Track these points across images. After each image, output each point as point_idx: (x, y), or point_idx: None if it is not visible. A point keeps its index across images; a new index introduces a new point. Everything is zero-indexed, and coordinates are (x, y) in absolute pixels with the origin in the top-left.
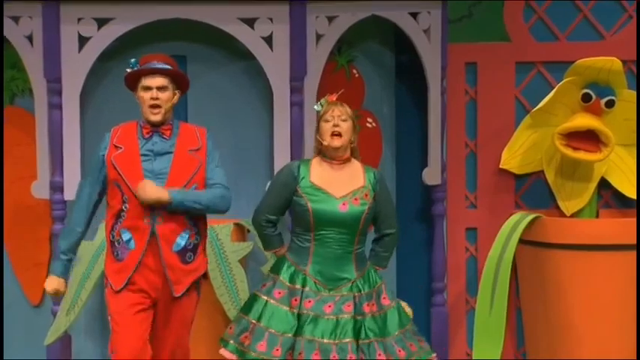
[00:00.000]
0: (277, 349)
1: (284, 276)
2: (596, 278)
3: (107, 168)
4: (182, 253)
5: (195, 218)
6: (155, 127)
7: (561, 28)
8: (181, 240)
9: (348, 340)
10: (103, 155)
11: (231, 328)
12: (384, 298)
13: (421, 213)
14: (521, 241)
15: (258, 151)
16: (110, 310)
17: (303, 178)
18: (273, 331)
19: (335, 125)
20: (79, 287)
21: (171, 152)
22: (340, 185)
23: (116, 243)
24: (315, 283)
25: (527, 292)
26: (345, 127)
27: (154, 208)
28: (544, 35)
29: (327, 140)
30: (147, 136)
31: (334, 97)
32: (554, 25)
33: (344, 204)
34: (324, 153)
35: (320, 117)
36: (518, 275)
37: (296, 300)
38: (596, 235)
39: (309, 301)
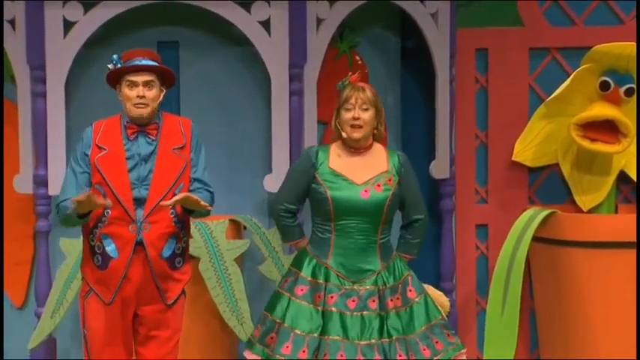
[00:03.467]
0: (304, 351)
1: (305, 271)
2: (615, 277)
3: (91, 170)
4: (171, 259)
5: (182, 221)
6: (140, 127)
7: (578, 12)
8: (170, 245)
9: (374, 340)
10: (88, 155)
11: (257, 329)
12: (410, 290)
13: (428, 209)
14: (535, 238)
15: (254, 143)
16: (88, 324)
17: (321, 163)
18: (298, 332)
19: (355, 118)
20: (65, 287)
21: (155, 153)
22: (361, 171)
23: (96, 248)
24: (337, 276)
25: (541, 293)
26: (367, 116)
27: (139, 215)
28: (559, 19)
29: (347, 132)
30: (132, 137)
31: (356, 78)
32: (571, 9)
33: (366, 191)
34: (344, 140)
35: (341, 102)
36: (531, 274)
37: (319, 296)
38: (615, 232)
39: (332, 297)
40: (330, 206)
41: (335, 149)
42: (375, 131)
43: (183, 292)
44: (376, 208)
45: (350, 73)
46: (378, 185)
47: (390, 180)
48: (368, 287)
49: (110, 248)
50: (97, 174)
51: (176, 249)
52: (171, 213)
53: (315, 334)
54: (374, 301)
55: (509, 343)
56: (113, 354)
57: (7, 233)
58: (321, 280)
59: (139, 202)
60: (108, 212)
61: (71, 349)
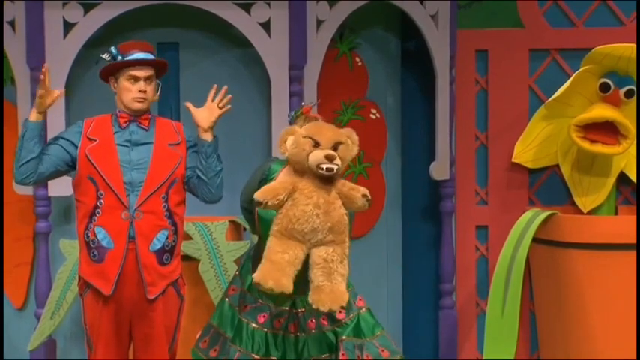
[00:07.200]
0: (215, 350)
1: (247, 283)
2: (615, 279)
3: (80, 163)
4: (159, 253)
5: (174, 217)
6: (133, 117)
7: (578, 14)
8: (160, 238)
9: (273, 358)
10: (73, 143)
11: (204, 341)
12: (340, 312)
13: (428, 210)
14: (535, 239)
15: (254, 144)
16: (87, 321)
17: (268, 180)
18: (215, 324)
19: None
20: (65, 288)
21: (150, 143)
22: None
23: (91, 243)
24: (257, 290)
25: (541, 294)
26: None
27: (132, 203)
28: (559, 21)
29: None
30: (124, 125)
31: (309, 109)
32: (571, 10)
33: None
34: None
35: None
36: (531, 276)
37: (243, 303)
38: (615, 234)
39: (246, 306)
40: (257, 224)
41: (285, 173)
42: None
43: (176, 292)
44: None
45: (302, 103)
46: None
47: None
48: (281, 307)
49: (103, 237)
50: (88, 164)
51: (165, 244)
52: (164, 207)
53: (229, 335)
54: (279, 321)
55: (509, 344)
56: (109, 349)
57: (7, 234)
58: (245, 287)
59: (130, 186)
60: (101, 203)
61: (71, 350)
